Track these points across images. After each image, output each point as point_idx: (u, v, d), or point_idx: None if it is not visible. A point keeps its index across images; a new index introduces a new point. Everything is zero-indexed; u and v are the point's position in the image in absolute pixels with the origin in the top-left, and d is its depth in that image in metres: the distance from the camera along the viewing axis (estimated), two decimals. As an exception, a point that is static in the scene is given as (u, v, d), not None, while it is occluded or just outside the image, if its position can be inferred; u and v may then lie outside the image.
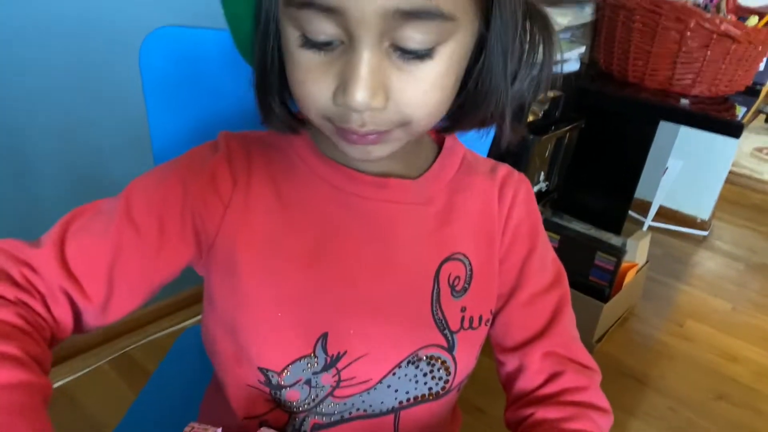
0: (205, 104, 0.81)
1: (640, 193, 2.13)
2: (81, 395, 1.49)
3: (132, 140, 1.50)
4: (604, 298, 1.90)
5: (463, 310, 0.61)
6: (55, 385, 1.50)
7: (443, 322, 0.60)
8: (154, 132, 0.79)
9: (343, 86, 0.45)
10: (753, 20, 1.66)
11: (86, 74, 1.38)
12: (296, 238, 0.57)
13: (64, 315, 0.52)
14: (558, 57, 0.53)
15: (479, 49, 0.51)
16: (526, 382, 0.61)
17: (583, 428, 0.55)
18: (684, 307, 2.28)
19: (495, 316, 0.64)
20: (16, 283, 0.50)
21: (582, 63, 1.86)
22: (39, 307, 0.50)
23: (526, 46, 0.51)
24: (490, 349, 0.66)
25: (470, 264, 0.61)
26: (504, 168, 0.66)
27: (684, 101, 1.69)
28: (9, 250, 0.52)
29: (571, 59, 1.70)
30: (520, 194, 0.65)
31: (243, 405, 0.60)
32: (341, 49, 0.46)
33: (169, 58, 0.76)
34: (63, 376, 1.54)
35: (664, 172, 2.71)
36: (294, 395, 0.58)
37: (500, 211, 0.63)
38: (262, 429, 0.52)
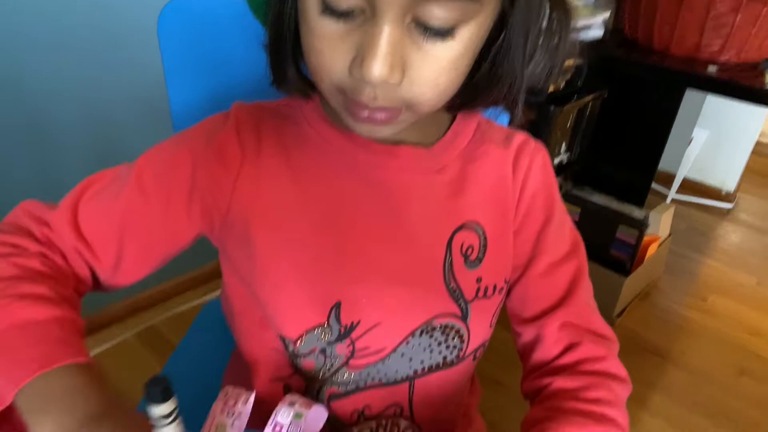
0: (224, 73, 0.81)
1: (663, 164, 2.09)
2: (108, 367, 1.53)
3: (151, 110, 1.51)
4: (626, 272, 1.88)
5: (479, 281, 0.60)
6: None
7: (457, 291, 0.59)
8: (173, 101, 0.79)
9: (361, 58, 0.44)
10: (786, -18, 1.59)
11: (105, 45, 1.39)
12: (308, 208, 0.57)
13: (82, 270, 0.56)
14: (574, 42, 0.53)
15: (498, 29, 0.49)
16: (544, 352, 0.61)
17: (601, 397, 0.55)
18: (707, 282, 2.24)
19: (512, 287, 0.64)
20: (37, 239, 0.55)
21: (606, 29, 1.80)
22: (59, 260, 0.55)
23: (545, 29, 0.50)
24: (507, 322, 0.65)
25: (484, 233, 0.60)
26: (520, 136, 0.65)
27: (711, 68, 1.64)
28: (32, 211, 0.56)
29: (594, 25, 1.66)
30: (535, 163, 0.63)
31: (269, 367, 0.61)
32: (362, 19, 0.44)
33: (188, 27, 0.76)
34: (90, 348, 1.57)
35: (689, 143, 2.64)
36: (309, 364, 0.58)
37: (515, 180, 0.62)
38: (287, 396, 0.53)
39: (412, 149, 0.58)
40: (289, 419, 0.51)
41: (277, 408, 0.52)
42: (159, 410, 0.38)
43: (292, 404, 0.52)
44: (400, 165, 0.58)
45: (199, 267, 1.86)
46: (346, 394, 0.60)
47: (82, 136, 1.45)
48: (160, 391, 0.38)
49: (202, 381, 0.79)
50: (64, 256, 0.55)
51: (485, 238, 0.60)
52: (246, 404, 0.52)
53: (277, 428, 0.51)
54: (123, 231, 0.56)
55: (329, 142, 0.59)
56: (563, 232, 0.64)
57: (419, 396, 0.62)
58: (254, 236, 0.56)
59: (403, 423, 0.64)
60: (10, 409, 0.44)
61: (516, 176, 0.62)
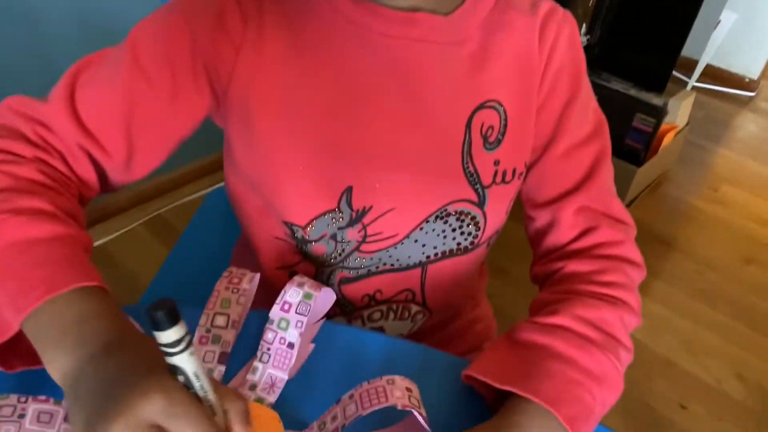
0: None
1: (686, 50, 1.97)
2: (118, 254, 1.55)
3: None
4: (639, 162, 1.83)
5: (497, 163, 0.57)
6: (94, 245, 1.56)
7: (474, 176, 0.56)
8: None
9: None
10: None
11: None
12: (315, 85, 0.52)
13: (86, 172, 0.50)
14: None
15: None
16: (558, 237, 0.59)
17: (615, 281, 0.53)
18: (720, 171, 2.20)
19: (529, 169, 0.60)
20: (30, 142, 0.48)
21: None
22: (59, 165, 0.49)
23: None
24: (515, 211, 0.62)
25: (505, 113, 0.56)
26: (546, 4, 0.58)
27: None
28: (18, 108, 0.49)
29: None
30: (563, 34, 0.57)
31: (272, 257, 0.60)
32: None
33: None
34: (99, 236, 1.59)
35: (716, 27, 2.48)
36: (320, 249, 0.57)
37: (540, 52, 0.57)
38: (295, 277, 0.51)
39: (431, 16, 0.52)
40: (298, 299, 0.50)
41: (286, 287, 0.50)
42: (166, 336, 0.33)
43: (301, 285, 0.51)
44: (416, 34, 0.52)
45: (206, 156, 1.83)
46: (357, 278, 0.59)
47: (72, 21, 1.36)
48: (164, 314, 0.32)
49: (207, 267, 0.79)
50: (64, 159, 0.49)
51: (506, 118, 0.56)
52: (251, 283, 0.51)
53: (286, 307, 0.50)
54: (130, 119, 0.50)
55: (339, 12, 0.52)
56: (587, 112, 0.60)
57: (431, 281, 0.61)
58: (256, 116, 0.52)
59: (414, 307, 0.63)
60: (19, 336, 0.40)
61: (542, 48, 0.56)
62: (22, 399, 0.40)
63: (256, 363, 0.49)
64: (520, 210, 0.64)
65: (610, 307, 0.51)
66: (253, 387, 0.48)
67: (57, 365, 0.38)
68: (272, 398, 0.47)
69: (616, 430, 0.49)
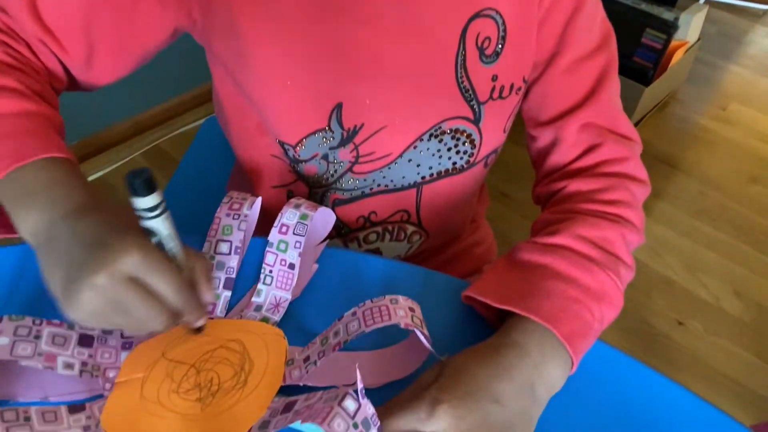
0: None
1: (702, -42, 1.86)
2: (119, 185, 1.55)
3: None
4: (647, 81, 1.78)
5: (494, 79, 0.54)
6: (94, 176, 1.56)
7: (470, 91, 0.54)
8: None
9: None
10: None
11: None
12: None
13: (52, 64, 0.50)
14: None
15: None
16: (561, 155, 0.57)
17: (618, 198, 0.52)
18: (730, 90, 2.14)
19: (530, 86, 0.58)
20: None
21: None
22: (26, 52, 0.48)
23: None
24: (516, 135, 0.60)
25: (504, 23, 0.53)
26: None
27: None
28: None
29: None
30: None
31: (269, 174, 0.59)
32: None
33: None
34: (100, 168, 1.59)
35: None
36: (312, 170, 0.55)
37: None
38: (292, 199, 0.51)
39: None
40: (295, 220, 0.50)
41: (283, 210, 0.50)
42: (143, 202, 0.37)
43: (297, 206, 0.50)
44: None
45: (202, 84, 1.79)
46: (351, 200, 0.58)
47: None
48: (142, 182, 0.36)
49: (207, 194, 0.78)
50: (29, 47, 0.49)
51: (505, 29, 0.53)
52: (252, 208, 0.51)
53: (283, 229, 0.50)
54: (90, 22, 0.48)
55: None
56: (594, 23, 0.56)
57: (426, 202, 0.61)
58: (240, 24, 0.49)
59: (409, 228, 0.63)
60: None
61: None
62: (37, 322, 0.41)
63: (260, 286, 0.49)
64: (521, 133, 0.62)
65: (612, 226, 0.50)
66: (258, 308, 0.49)
67: (27, 225, 0.40)
68: (277, 317, 0.48)
69: (614, 346, 0.50)
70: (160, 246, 0.39)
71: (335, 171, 0.56)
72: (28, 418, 0.38)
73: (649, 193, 0.56)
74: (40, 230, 0.39)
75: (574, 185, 0.55)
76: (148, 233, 0.39)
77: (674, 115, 2.01)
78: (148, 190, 0.36)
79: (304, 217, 0.50)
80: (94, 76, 0.52)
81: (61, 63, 0.50)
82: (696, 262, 1.54)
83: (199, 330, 0.43)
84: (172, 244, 0.40)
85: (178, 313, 0.39)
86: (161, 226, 0.39)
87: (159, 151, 1.68)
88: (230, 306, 0.49)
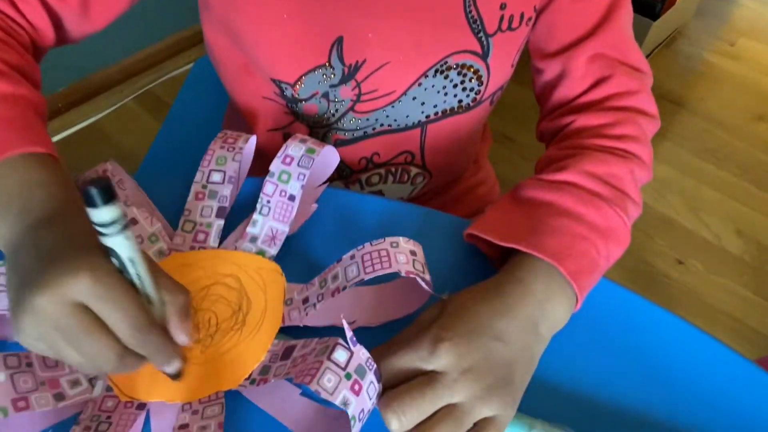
0: None
1: None
2: (112, 131, 1.52)
3: None
4: (654, 16, 1.72)
5: (503, 7, 0.51)
6: (85, 123, 1.53)
7: (478, 22, 0.51)
8: None
9: None
10: None
11: None
12: None
13: (38, 18, 0.46)
14: None
15: None
16: (568, 89, 0.55)
17: (627, 133, 0.50)
18: (739, 24, 2.07)
19: (538, 14, 0.55)
20: None
21: None
22: (7, 8, 0.44)
23: None
24: (520, 75, 0.57)
25: (513, -54, 0.49)
26: None
27: None
28: None
29: None
30: None
31: (262, 118, 0.57)
32: None
33: None
34: (91, 114, 1.55)
35: None
36: (312, 109, 0.53)
37: None
38: (296, 134, 0.49)
39: None
40: (300, 153, 0.47)
41: (288, 142, 0.48)
42: (99, 215, 0.30)
43: (303, 141, 0.48)
44: None
45: (194, 24, 1.73)
46: (353, 140, 0.56)
47: None
48: (98, 191, 0.30)
49: (200, 137, 0.76)
50: (12, 3, 0.44)
51: (513, -48, 0.49)
52: (247, 143, 0.49)
53: (287, 160, 0.48)
54: None
55: None
56: None
57: (431, 142, 0.59)
58: None
59: (413, 170, 0.61)
60: None
61: None
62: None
63: (255, 215, 0.47)
64: (525, 74, 0.59)
65: (620, 161, 0.49)
66: (253, 239, 0.47)
67: (1, 233, 0.36)
68: (273, 251, 0.47)
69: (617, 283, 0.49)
70: (123, 269, 0.33)
71: (336, 110, 0.53)
72: (30, 364, 0.38)
73: (659, 127, 0.54)
74: (8, 241, 0.35)
75: (582, 120, 0.52)
76: (111, 254, 0.32)
77: (681, 51, 1.95)
78: (104, 199, 0.30)
79: (311, 150, 0.47)
80: (89, 21, 0.48)
81: (51, 15, 0.46)
82: (698, 201, 1.53)
83: (175, 377, 0.37)
84: (136, 269, 0.33)
85: (134, 353, 0.33)
86: (121, 246, 0.32)
87: (152, 96, 1.64)
88: (222, 237, 0.47)
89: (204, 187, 0.48)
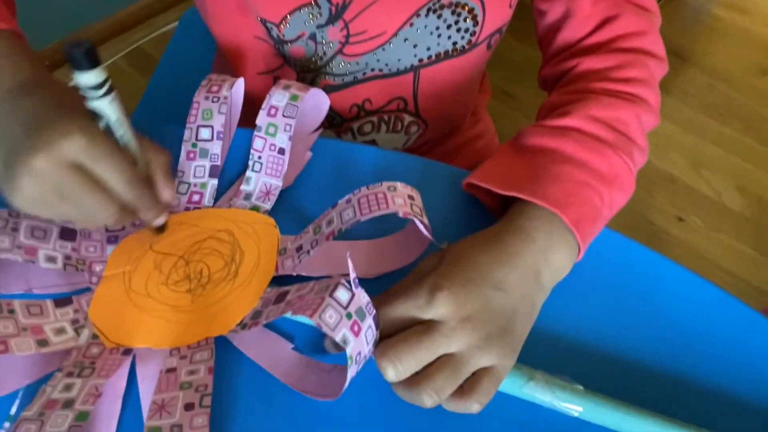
0: None
1: None
2: (102, 89, 1.49)
3: None
4: (659, -36, 1.66)
5: (500, -61, 0.48)
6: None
7: (473, -44, 0.48)
8: None
9: None
10: None
11: None
12: None
13: None
14: None
15: None
16: (572, 30, 0.52)
17: (634, 76, 0.48)
18: (748, -25, 2.01)
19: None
20: None
21: None
22: None
23: None
24: (520, 30, 0.54)
25: None
26: None
27: None
28: None
29: None
30: None
31: (253, 59, 0.54)
32: None
33: None
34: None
35: None
36: (298, 52, 0.50)
37: None
38: (281, 80, 0.47)
39: None
40: (284, 102, 0.45)
41: (271, 92, 0.46)
42: (86, 78, 0.32)
43: (286, 87, 0.46)
44: None
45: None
46: (343, 86, 0.54)
47: None
48: (83, 53, 0.31)
49: (189, 88, 0.74)
50: None
51: None
52: (232, 89, 0.47)
53: (272, 112, 0.46)
54: None
55: None
56: None
57: (425, 89, 0.56)
58: None
59: (407, 118, 0.58)
60: None
61: None
62: (14, 213, 0.39)
63: (248, 173, 0.46)
64: (525, 29, 0.56)
65: (626, 105, 0.46)
66: (248, 197, 0.46)
67: None
68: (268, 206, 0.45)
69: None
70: (108, 132, 0.35)
71: (324, 53, 0.50)
72: (12, 311, 0.37)
73: (667, 69, 0.51)
74: None
75: (587, 63, 0.50)
76: (96, 117, 0.35)
77: (686, 3, 1.89)
78: (90, 63, 0.32)
79: (294, 98, 0.45)
80: None
81: None
82: (700, 158, 1.50)
83: (160, 229, 0.41)
84: (123, 131, 0.36)
85: (131, 209, 0.37)
86: (108, 108, 0.34)
87: (142, 53, 1.59)
88: (217, 196, 0.46)
89: (194, 145, 0.46)
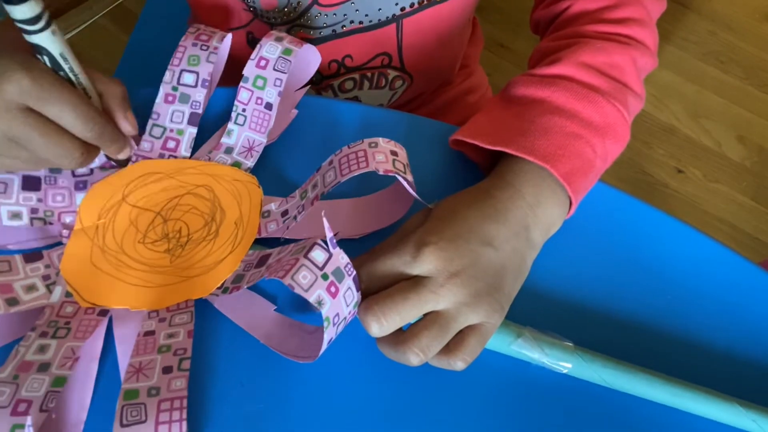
0: None
1: None
2: (83, 49, 1.45)
3: None
4: None
5: None
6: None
7: None
8: None
9: None
10: None
11: None
12: None
13: None
14: None
15: None
16: (565, -29, 0.49)
17: (630, 16, 0.45)
18: None
19: None
20: None
21: None
22: None
23: None
24: None
25: None
26: None
27: None
28: None
29: None
30: None
31: (221, 18, 0.52)
32: None
33: None
34: (63, 31, 1.47)
35: None
36: (269, 3, 0.48)
37: None
38: (273, 31, 0.44)
39: None
40: (276, 54, 0.43)
41: (262, 42, 0.43)
42: (20, 12, 0.30)
43: (279, 39, 0.44)
44: None
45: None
46: (321, 40, 0.51)
47: None
48: None
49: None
50: None
51: None
52: (222, 41, 0.44)
53: (262, 63, 0.43)
54: None
55: None
56: None
57: (409, 41, 0.53)
58: None
59: (391, 73, 0.56)
60: None
61: None
62: None
63: (231, 125, 0.44)
64: None
65: (621, 49, 0.44)
66: (229, 150, 0.44)
67: None
68: (250, 162, 0.43)
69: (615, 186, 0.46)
70: (55, 69, 0.33)
71: (298, 3, 0.48)
72: None
73: (665, 7, 0.49)
74: None
75: (580, 4, 0.47)
76: (38, 53, 0.33)
77: (688, -54, 1.82)
78: None
79: (287, 51, 0.43)
80: None
81: None
82: (700, 107, 1.47)
83: (124, 163, 0.40)
84: (70, 65, 0.34)
85: (92, 146, 0.35)
86: (49, 42, 0.32)
87: (124, 11, 1.54)
88: (195, 147, 0.44)
89: (174, 89, 0.43)
